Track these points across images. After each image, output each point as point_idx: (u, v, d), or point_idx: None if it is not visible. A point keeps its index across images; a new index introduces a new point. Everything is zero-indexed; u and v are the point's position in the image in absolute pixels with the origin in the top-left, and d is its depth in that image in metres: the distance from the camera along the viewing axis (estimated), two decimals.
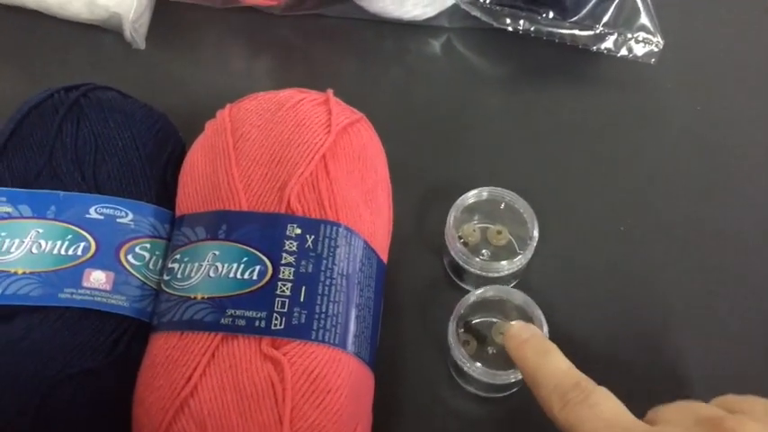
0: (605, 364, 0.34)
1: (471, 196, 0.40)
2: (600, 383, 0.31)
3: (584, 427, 0.28)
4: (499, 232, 0.41)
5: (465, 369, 0.36)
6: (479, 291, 0.37)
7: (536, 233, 0.39)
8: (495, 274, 0.39)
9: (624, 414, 0.28)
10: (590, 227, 0.43)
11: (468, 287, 0.41)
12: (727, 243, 0.43)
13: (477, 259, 0.39)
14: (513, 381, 0.36)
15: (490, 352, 0.38)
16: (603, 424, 0.28)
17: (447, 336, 0.36)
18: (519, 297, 0.37)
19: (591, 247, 0.43)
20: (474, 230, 0.41)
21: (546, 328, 0.36)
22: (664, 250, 0.43)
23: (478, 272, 0.39)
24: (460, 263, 0.39)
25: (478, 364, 0.36)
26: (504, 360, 0.36)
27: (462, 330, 0.38)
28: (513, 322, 0.35)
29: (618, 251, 0.42)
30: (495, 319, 0.39)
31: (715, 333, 0.40)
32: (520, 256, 0.39)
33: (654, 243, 0.43)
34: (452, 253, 0.39)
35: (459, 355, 0.36)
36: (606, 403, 0.29)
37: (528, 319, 0.37)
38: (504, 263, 0.38)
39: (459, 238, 0.40)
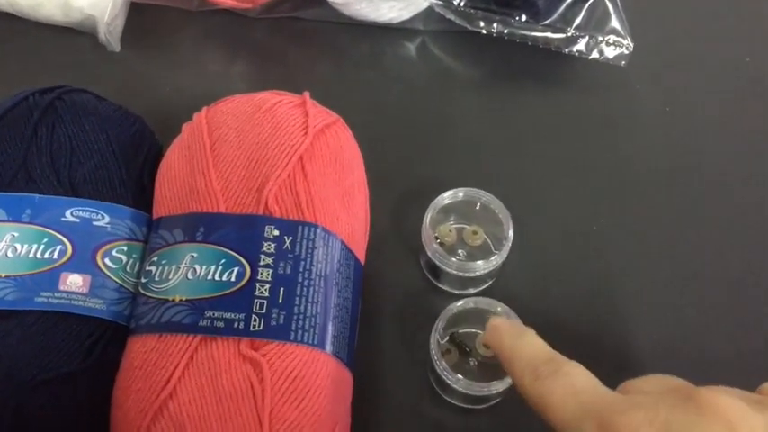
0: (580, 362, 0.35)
1: (447, 197, 0.41)
2: None
3: (553, 397, 0.28)
4: (475, 233, 0.42)
5: (448, 383, 0.36)
6: (460, 302, 0.37)
7: (511, 233, 0.40)
8: (472, 274, 0.39)
9: (595, 384, 0.28)
10: (564, 226, 0.44)
11: (444, 287, 0.41)
12: (698, 241, 0.44)
13: (454, 259, 0.39)
14: (494, 392, 0.36)
15: (472, 363, 0.39)
16: (572, 391, 0.27)
17: (429, 345, 0.37)
18: (500, 308, 0.37)
19: (565, 246, 0.43)
20: (450, 231, 0.42)
21: None
22: (635, 249, 0.43)
23: (455, 272, 0.39)
24: (437, 263, 0.39)
25: (460, 377, 0.36)
26: (485, 372, 0.36)
27: (446, 340, 0.38)
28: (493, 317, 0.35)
29: (591, 250, 0.43)
30: (478, 331, 0.39)
31: (685, 328, 0.41)
32: (495, 256, 0.39)
33: (626, 242, 0.44)
34: (429, 253, 0.39)
35: (443, 369, 0.36)
36: (578, 374, 0.28)
37: None
38: (479, 262, 0.39)
39: (436, 238, 0.40)
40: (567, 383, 0.28)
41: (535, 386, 0.29)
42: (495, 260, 0.39)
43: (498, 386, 0.36)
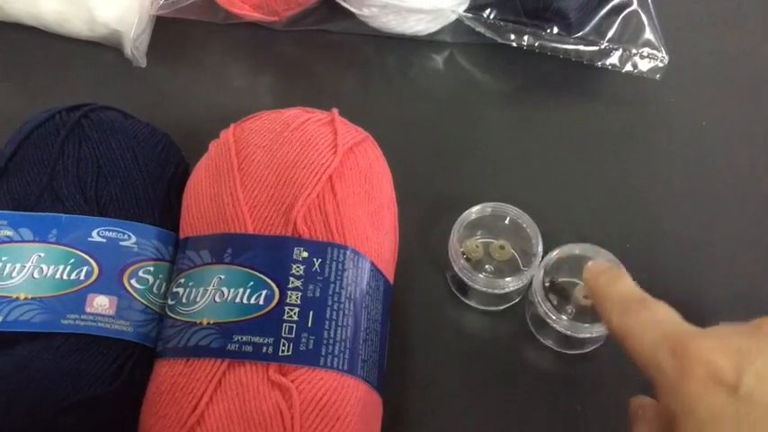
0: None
1: (475, 212, 0.40)
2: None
3: (636, 327, 0.29)
4: (502, 247, 0.41)
5: (548, 321, 0.37)
6: (566, 247, 0.38)
7: (540, 249, 0.39)
8: (500, 291, 0.38)
9: (677, 318, 0.29)
10: (596, 244, 0.43)
11: (472, 303, 0.40)
12: (739, 259, 0.43)
13: (481, 275, 0.38)
14: (593, 335, 0.37)
15: (569, 311, 0.38)
16: (653, 322, 0.28)
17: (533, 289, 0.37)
18: (602, 252, 0.38)
19: None
20: (477, 246, 0.41)
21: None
22: (672, 267, 0.42)
23: (482, 288, 0.38)
24: (464, 279, 0.39)
25: (564, 317, 0.37)
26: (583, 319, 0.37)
27: (547, 285, 0.38)
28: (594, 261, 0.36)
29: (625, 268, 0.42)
30: (577, 281, 0.39)
31: None
32: (525, 272, 0.38)
33: (661, 260, 0.42)
34: (456, 269, 0.39)
35: (546, 308, 0.37)
36: (662, 309, 0.29)
37: None
38: (507, 279, 0.38)
39: (463, 253, 0.40)
40: (650, 316, 0.29)
41: (622, 319, 0.30)
42: (524, 277, 0.38)
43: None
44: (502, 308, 0.41)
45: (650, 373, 0.27)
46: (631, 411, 0.31)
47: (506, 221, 0.40)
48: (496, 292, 0.39)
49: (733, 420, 0.24)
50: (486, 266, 0.41)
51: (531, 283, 0.39)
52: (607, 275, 0.33)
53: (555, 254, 0.38)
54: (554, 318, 0.37)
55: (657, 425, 0.28)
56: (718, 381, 0.25)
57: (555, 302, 0.38)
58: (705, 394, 0.25)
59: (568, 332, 0.37)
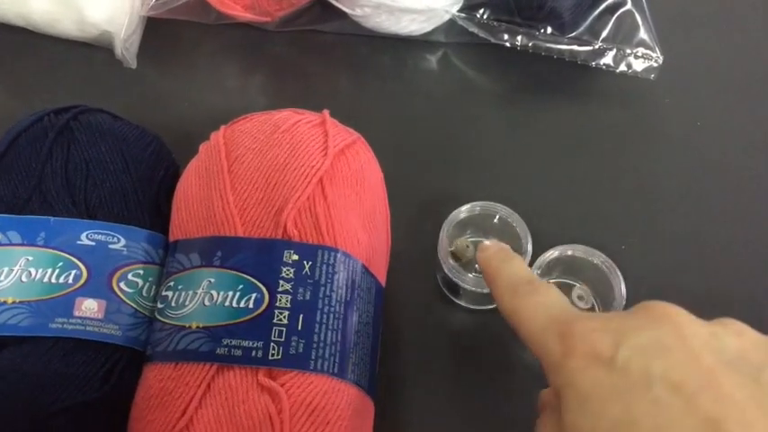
0: None
1: (464, 211, 0.40)
2: None
3: (526, 311, 0.30)
4: None
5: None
6: (562, 247, 0.38)
7: (530, 247, 0.38)
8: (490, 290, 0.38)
9: (564, 302, 0.30)
10: (591, 246, 0.42)
11: (462, 303, 0.40)
12: (732, 259, 0.42)
13: (471, 275, 0.38)
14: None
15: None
16: (543, 307, 0.30)
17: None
18: (599, 257, 0.38)
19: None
20: (467, 246, 0.40)
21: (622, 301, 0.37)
22: (666, 269, 0.42)
23: (472, 288, 0.38)
24: (454, 279, 0.38)
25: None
26: None
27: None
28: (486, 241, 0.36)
29: (619, 270, 0.42)
30: (574, 283, 0.39)
31: None
32: None
33: (656, 262, 0.42)
34: (446, 269, 0.38)
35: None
36: (551, 294, 0.30)
37: (607, 284, 0.38)
38: None
39: (452, 253, 0.39)
40: (540, 300, 0.30)
41: (512, 302, 0.31)
42: None
43: None
44: (492, 306, 0.40)
45: (539, 355, 0.29)
46: (539, 403, 0.32)
47: (496, 220, 0.40)
48: (486, 291, 0.38)
49: (610, 390, 0.25)
50: (477, 266, 0.40)
51: None
52: (499, 257, 0.34)
53: (549, 255, 0.38)
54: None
55: (553, 407, 0.29)
56: (596, 356, 0.26)
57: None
58: (585, 368, 0.26)
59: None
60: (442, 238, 0.39)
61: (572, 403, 0.26)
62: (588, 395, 0.25)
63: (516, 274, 0.33)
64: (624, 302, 0.37)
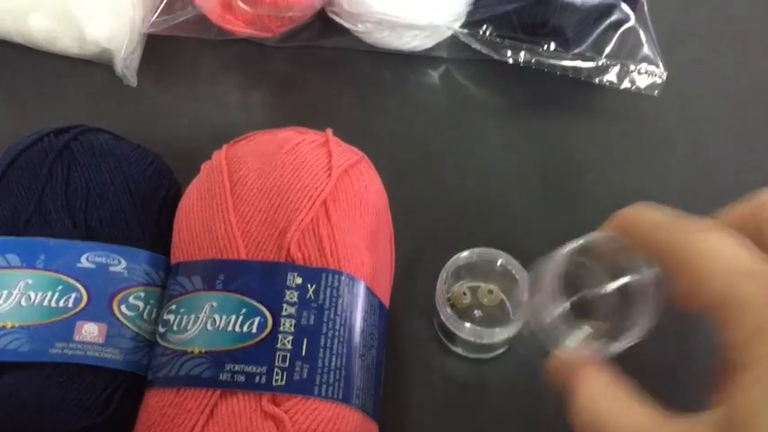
0: None
1: (462, 258, 0.38)
2: None
3: (706, 246, 0.25)
4: (491, 291, 0.39)
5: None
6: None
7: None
8: (488, 341, 0.37)
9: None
10: None
11: (458, 350, 0.39)
12: None
13: (467, 325, 0.37)
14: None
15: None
16: (734, 246, 0.25)
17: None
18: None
19: None
20: (464, 293, 0.39)
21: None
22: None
23: (469, 338, 0.37)
24: (451, 328, 0.37)
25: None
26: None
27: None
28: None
29: None
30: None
31: None
32: (514, 323, 0.37)
33: None
34: (442, 317, 0.37)
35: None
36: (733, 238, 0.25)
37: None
38: (496, 330, 0.37)
39: (449, 299, 0.38)
40: (726, 242, 0.25)
41: (681, 236, 0.26)
42: (513, 327, 0.37)
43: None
44: (489, 355, 0.39)
45: (725, 309, 0.24)
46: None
47: (496, 265, 0.39)
48: (484, 341, 0.37)
49: None
50: (475, 312, 0.39)
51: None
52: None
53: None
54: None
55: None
56: None
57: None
58: None
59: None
60: (439, 285, 0.37)
61: (763, 386, 0.22)
62: None
63: (667, 214, 0.27)
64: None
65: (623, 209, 0.31)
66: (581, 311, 0.33)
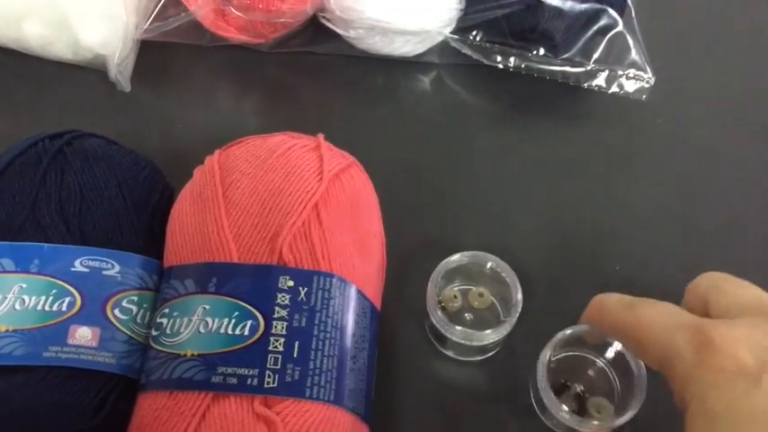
0: None
1: (453, 261, 0.39)
2: None
3: (647, 317, 0.28)
4: (481, 294, 0.40)
5: (552, 410, 0.35)
6: (570, 330, 0.36)
7: (519, 296, 0.37)
8: (478, 343, 0.37)
9: (688, 312, 0.28)
10: (586, 266, 0.43)
11: (449, 353, 0.39)
12: None
13: (458, 328, 0.37)
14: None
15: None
16: (668, 312, 0.28)
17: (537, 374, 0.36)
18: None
19: (586, 287, 0.42)
20: (455, 296, 0.40)
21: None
22: (659, 289, 0.42)
23: (459, 340, 0.37)
24: (442, 331, 0.37)
25: (566, 408, 0.35)
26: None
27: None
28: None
29: (614, 291, 0.42)
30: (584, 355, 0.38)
31: None
32: (505, 324, 0.37)
33: (651, 282, 0.42)
34: (433, 320, 0.38)
35: (549, 398, 0.35)
36: (672, 305, 0.29)
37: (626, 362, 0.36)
38: (488, 332, 0.37)
39: (439, 302, 0.39)
40: (663, 308, 0.28)
41: (629, 313, 0.29)
42: (503, 329, 0.37)
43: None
44: (479, 358, 0.39)
45: (663, 361, 0.27)
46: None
47: (486, 268, 0.39)
48: (474, 344, 0.38)
49: (749, 413, 0.23)
50: (466, 315, 0.40)
51: (509, 333, 0.38)
52: (599, 297, 0.33)
53: (566, 333, 0.36)
54: (557, 407, 0.35)
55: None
56: (738, 372, 0.24)
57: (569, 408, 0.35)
58: (722, 384, 0.24)
59: (574, 426, 0.35)
60: (430, 288, 0.38)
61: (699, 420, 0.24)
62: (721, 414, 0.23)
63: (624, 297, 0.31)
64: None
65: (596, 298, 0.33)
66: (590, 391, 0.37)
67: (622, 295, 0.31)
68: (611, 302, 0.31)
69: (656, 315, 0.28)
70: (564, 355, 0.38)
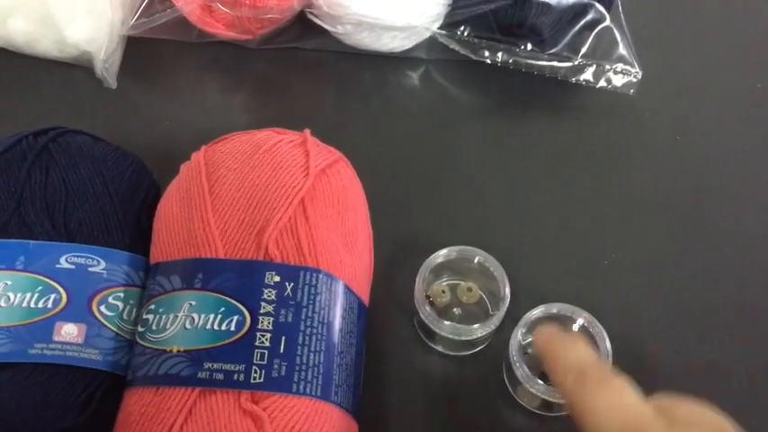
0: None
1: (441, 256, 0.39)
2: None
3: (596, 405, 0.28)
4: (470, 289, 0.40)
5: (527, 385, 0.36)
6: (542, 307, 0.37)
7: (507, 291, 0.38)
8: (467, 338, 0.38)
9: (640, 403, 0.28)
10: (577, 260, 0.43)
11: (438, 348, 0.39)
12: (715, 270, 0.43)
13: (447, 322, 0.37)
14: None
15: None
16: (617, 405, 0.27)
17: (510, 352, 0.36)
18: (583, 315, 0.37)
19: (579, 280, 0.42)
20: (443, 291, 0.40)
21: (608, 344, 0.36)
22: (649, 282, 0.42)
23: (448, 335, 0.38)
24: (430, 325, 0.38)
25: (541, 383, 0.35)
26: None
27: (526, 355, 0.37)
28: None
29: (606, 283, 0.42)
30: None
31: (705, 355, 0.40)
32: (493, 318, 0.37)
33: (642, 273, 0.42)
34: (422, 315, 0.38)
35: (523, 372, 0.36)
36: (624, 389, 0.28)
37: (591, 338, 0.37)
38: (476, 326, 0.37)
39: (428, 297, 0.39)
40: (614, 396, 0.28)
41: (580, 391, 0.28)
42: (491, 323, 0.37)
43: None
44: (468, 353, 0.39)
45: None
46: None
47: (474, 262, 0.39)
48: (463, 338, 0.38)
49: None
50: (455, 309, 0.40)
51: (498, 327, 0.38)
52: (560, 337, 0.32)
53: (534, 313, 0.37)
54: (531, 383, 0.35)
55: None
56: None
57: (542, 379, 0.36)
58: None
59: (548, 397, 0.36)
60: (418, 283, 0.38)
61: None
62: None
63: (582, 357, 0.30)
64: (610, 359, 0.36)
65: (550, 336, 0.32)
66: None
67: (578, 354, 0.30)
68: (560, 355, 0.30)
69: (604, 408, 0.27)
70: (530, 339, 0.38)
